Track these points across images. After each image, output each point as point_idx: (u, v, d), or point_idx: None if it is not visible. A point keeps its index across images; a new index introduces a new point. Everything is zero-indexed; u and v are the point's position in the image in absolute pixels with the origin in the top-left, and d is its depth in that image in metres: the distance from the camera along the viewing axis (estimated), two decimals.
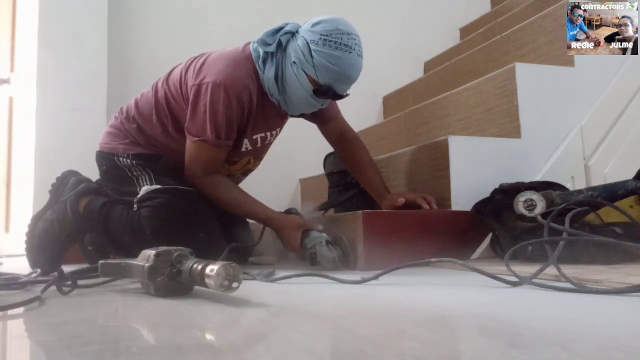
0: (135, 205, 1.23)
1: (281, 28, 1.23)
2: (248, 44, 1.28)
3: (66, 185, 1.30)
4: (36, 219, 1.27)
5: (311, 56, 1.17)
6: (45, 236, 1.24)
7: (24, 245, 1.26)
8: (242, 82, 1.21)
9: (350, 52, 1.20)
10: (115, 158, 1.31)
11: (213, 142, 1.22)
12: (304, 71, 1.19)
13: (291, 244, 1.21)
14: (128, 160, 1.30)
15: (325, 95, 1.22)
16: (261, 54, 1.23)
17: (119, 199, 1.27)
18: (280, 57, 1.22)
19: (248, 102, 1.23)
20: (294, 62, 1.19)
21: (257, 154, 1.41)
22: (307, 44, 1.18)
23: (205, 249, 1.08)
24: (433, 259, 0.90)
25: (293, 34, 1.22)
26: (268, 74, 1.23)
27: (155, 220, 1.19)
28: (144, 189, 1.24)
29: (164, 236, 1.13)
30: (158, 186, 1.23)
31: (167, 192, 1.22)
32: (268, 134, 1.36)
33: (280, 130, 1.42)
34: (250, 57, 1.25)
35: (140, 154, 1.30)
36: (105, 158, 1.33)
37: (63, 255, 1.26)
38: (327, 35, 1.17)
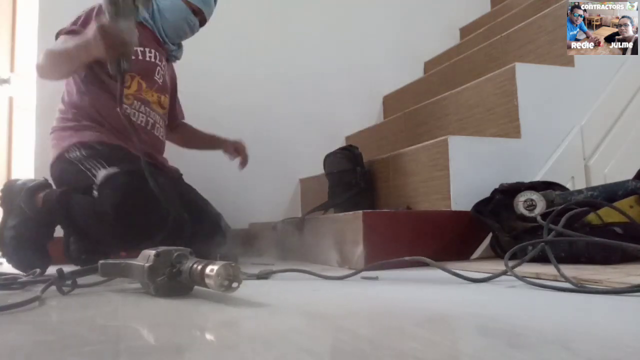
0: (95, 192, 1.21)
1: None
2: None
3: (13, 192, 1.30)
4: (0, 231, 1.26)
5: None
6: (17, 242, 1.23)
7: (4, 258, 1.26)
8: None
9: None
10: (66, 155, 1.32)
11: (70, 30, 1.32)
12: None
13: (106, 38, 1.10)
14: (77, 153, 1.31)
15: (196, 14, 1.47)
16: None
17: (76, 187, 1.27)
18: None
19: None
20: None
21: (144, 74, 1.43)
22: None
23: (168, 226, 1.14)
24: (406, 258, 0.93)
25: None
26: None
27: (117, 199, 1.16)
28: (101, 173, 1.23)
29: (127, 215, 1.14)
30: (116, 169, 1.22)
31: (126, 174, 1.20)
32: (147, 50, 1.43)
33: (164, 64, 1.51)
34: None
35: (86, 143, 1.31)
36: (56, 165, 1.35)
37: (46, 250, 1.25)
38: None
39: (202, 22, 1.51)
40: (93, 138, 1.33)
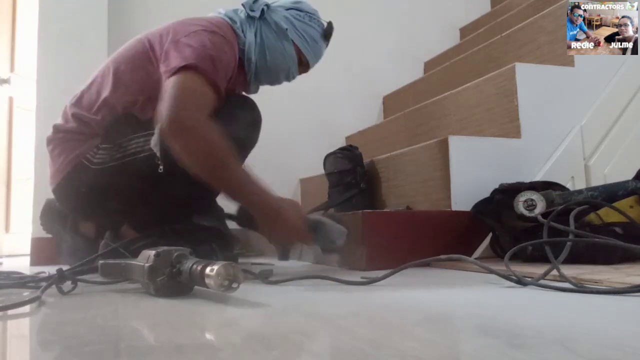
0: (158, 160, 1.06)
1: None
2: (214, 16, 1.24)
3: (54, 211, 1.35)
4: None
5: (300, 28, 1.22)
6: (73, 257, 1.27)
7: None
8: (233, 38, 1.16)
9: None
10: (87, 160, 1.14)
11: (211, 75, 1.02)
12: (293, 41, 1.22)
13: (296, 230, 1.02)
14: (104, 154, 1.14)
15: (304, 67, 1.28)
16: (239, 19, 1.21)
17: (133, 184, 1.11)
18: (259, 25, 1.22)
19: (233, 59, 1.14)
20: (286, 29, 1.21)
21: None
22: (295, 16, 1.23)
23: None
24: (442, 257, 0.90)
25: (268, 5, 1.25)
26: (250, 38, 1.20)
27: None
28: (154, 138, 1.03)
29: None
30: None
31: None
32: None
33: None
34: (225, 21, 1.19)
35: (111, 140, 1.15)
36: (74, 175, 1.15)
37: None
38: (312, 14, 1.26)
39: (304, 73, 1.31)
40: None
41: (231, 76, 1.16)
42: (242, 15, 1.23)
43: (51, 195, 1.30)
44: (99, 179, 1.13)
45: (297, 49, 1.23)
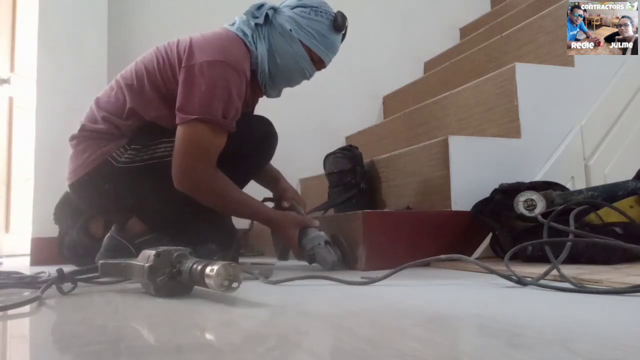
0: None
1: (262, 4, 1.23)
2: (226, 28, 1.24)
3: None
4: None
5: (306, 25, 1.19)
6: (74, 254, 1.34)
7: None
8: (245, 62, 1.16)
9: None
10: (113, 159, 1.18)
11: (219, 121, 1.09)
12: (300, 40, 1.19)
13: (289, 243, 1.19)
14: (131, 153, 1.18)
15: (319, 63, 1.24)
16: (250, 30, 1.20)
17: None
18: (267, 31, 1.21)
19: (247, 81, 1.18)
20: (290, 30, 1.19)
21: None
22: (299, 14, 1.20)
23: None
24: (442, 256, 0.90)
25: (275, 9, 1.23)
26: (261, 50, 1.20)
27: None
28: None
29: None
30: None
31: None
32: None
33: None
34: (237, 37, 1.19)
35: (138, 140, 1.20)
36: (97, 172, 1.19)
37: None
38: (317, 7, 1.20)
39: (321, 69, 1.27)
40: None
41: (245, 96, 1.18)
42: (253, 23, 1.21)
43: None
44: (123, 177, 1.18)
45: (307, 47, 1.21)
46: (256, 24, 1.21)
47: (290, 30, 1.20)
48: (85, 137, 1.23)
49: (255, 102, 1.35)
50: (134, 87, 1.20)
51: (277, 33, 1.20)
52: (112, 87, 1.25)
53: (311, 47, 1.21)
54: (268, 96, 1.31)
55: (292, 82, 1.28)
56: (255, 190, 1.34)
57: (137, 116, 1.20)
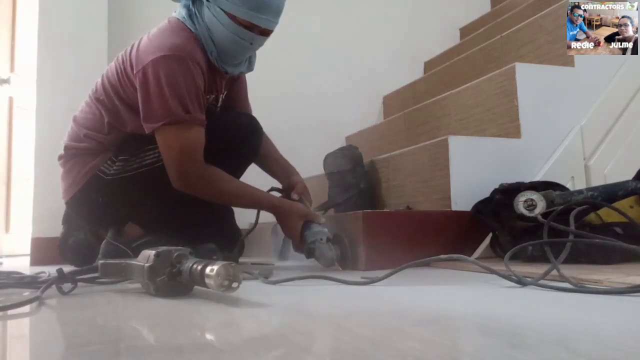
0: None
1: None
2: (169, 18, 1.21)
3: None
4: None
5: None
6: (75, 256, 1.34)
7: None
8: (189, 46, 1.12)
9: None
10: (102, 172, 1.21)
11: (183, 118, 1.08)
12: (220, 8, 1.11)
13: (291, 232, 1.17)
14: (119, 164, 1.21)
15: (250, 29, 1.12)
16: (187, 11, 1.16)
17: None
18: (199, 7, 1.16)
19: (199, 65, 1.13)
20: (208, 0, 1.12)
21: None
22: None
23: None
24: (442, 256, 0.90)
25: None
26: (200, 29, 1.15)
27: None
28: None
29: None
30: None
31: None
32: (212, 97, 1.26)
33: (224, 95, 1.32)
34: (180, 23, 1.16)
35: (125, 151, 1.22)
36: (89, 187, 1.21)
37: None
38: None
39: (265, 32, 1.15)
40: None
41: (204, 79, 1.16)
42: (189, 3, 1.17)
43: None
44: (116, 189, 1.21)
45: (229, 14, 1.11)
46: (192, 2, 1.16)
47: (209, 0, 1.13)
48: (72, 154, 1.26)
49: (222, 84, 1.27)
50: (105, 102, 1.21)
51: (204, 7, 1.14)
52: (88, 103, 1.27)
53: (233, 13, 1.10)
54: (228, 73, 1.24)
55: (237, 54, 1.19)
56: (267, 182, 1.35)
57: (118, 130, 1.22)
